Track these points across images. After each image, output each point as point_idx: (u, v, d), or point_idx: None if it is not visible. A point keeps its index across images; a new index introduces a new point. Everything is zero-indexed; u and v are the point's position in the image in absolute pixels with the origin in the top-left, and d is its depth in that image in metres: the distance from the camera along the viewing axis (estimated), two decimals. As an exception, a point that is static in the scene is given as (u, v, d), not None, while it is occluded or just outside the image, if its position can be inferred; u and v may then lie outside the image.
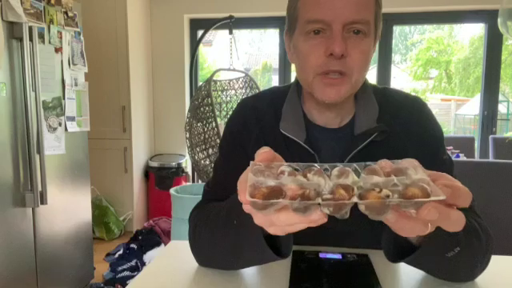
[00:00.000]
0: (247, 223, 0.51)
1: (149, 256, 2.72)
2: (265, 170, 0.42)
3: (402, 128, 0.79)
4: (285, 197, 0.39)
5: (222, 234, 0.66)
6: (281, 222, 0.42)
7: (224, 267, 0.72)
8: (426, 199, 0.38)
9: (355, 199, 0.39)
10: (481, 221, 0.70)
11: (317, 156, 0.77)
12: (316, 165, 0.42)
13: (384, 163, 0.43)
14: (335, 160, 0.78)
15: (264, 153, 0.45)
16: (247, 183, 0.41)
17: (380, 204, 0.39)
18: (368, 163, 0.43)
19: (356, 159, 0.76)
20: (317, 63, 0.70)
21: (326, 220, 0.41)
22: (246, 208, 0.44)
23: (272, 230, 0.45)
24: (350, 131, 0.79)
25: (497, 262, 0.69)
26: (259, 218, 0.44)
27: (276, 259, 0.60)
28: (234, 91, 2.99)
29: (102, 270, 2.57)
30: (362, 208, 0.39)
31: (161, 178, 3.45)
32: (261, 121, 0.82)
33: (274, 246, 0.59)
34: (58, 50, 2.05)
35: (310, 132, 0.79)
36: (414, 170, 0.41)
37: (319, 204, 0.39)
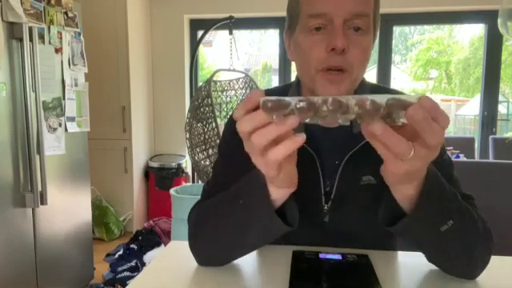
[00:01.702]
0: (255, 199, 0.58)
1: (149, 256, 2.72)
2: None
3: None
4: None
5: (228, 215, 0.68)
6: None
7: (226, 257, 0.73)
8: (413, 98, 0.45)
9: (349, 99, 0.44)
10: (479, 213, 0.71)
11: (316, 156, 0.77)
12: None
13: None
14: (334, 159, 0.78)
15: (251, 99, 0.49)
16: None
17: (371, 103, 0.43)
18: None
19: (355, 157, 0.76)
20: (318, 58, 0.70)
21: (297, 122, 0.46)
22: (241, 126, 0.50)
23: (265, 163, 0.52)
24: (349, 130, 0.79)
25: (497, 262, 0.69)
26: (251, 147, 0.51)
27: (285, 229, 0.62)
28: (234, 92, 2.99)
29: (102, 270, 2.57)
30: (355, 109, 0.44)
31: (161, 178, 3.45)
32: None
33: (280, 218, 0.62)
34: (58, 50, 2.05)
35: (309, 131, 0.79)
36: None
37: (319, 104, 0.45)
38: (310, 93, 0.78)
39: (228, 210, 0.67)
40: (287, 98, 0.45)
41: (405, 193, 0.58)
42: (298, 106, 0.44)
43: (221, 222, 0.70)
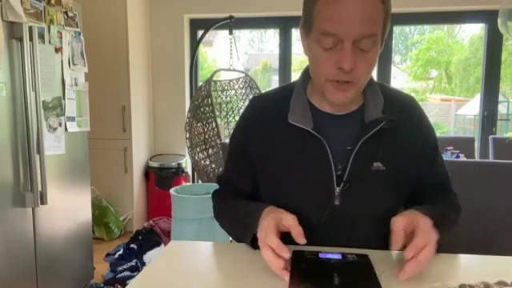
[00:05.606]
0: (248, 232, 0.78)
1: (149, 256, 2.72)
2: None
3: (406, 121, 0.86)
4: None
5: (234, 226, 0.92)
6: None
7: None
8: None
9: None
10: (454, 196, 0.92)
11: (324, 140, 0.82)
12: None
13: None
14: (346, 144, 0.84)
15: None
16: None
17: None
18: None
19: (367, 144, 0.82)
20: (328, 72, 0.77)
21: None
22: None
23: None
24: (358, 118, 0.85)
25: (497, 262, 0.69)
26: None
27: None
28: (234, 91, 2.99)
29: (101, 270, 2.57)
30: None
31: (161, 178, 3.45)
32: (270, 117, 0.89)
33: None
34: (58, 50, 2.05)
35: (317, 119, 0.85)
36: None
37: None
38: (320, 93, 0.85)
39: (235, 223, 0.91)
40: None
41: None
42: None
43: (230, 225, 0.94)
